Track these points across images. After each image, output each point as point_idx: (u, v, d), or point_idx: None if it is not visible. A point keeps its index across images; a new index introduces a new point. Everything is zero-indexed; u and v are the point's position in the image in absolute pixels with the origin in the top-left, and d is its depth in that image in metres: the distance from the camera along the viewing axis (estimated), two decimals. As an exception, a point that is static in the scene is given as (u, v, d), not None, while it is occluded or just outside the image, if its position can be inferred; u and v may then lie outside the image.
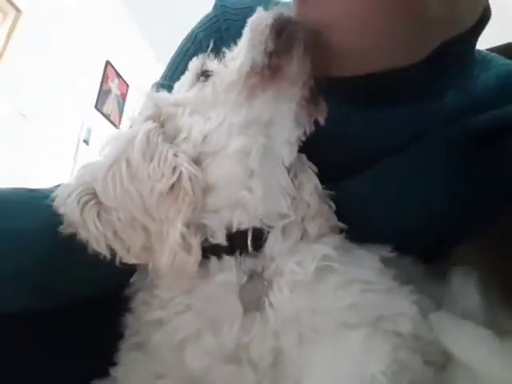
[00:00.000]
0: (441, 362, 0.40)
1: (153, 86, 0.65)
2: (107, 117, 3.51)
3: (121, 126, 3.58)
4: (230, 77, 0.46)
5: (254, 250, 0.44)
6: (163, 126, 0.47)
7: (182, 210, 0.41)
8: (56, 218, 0.42)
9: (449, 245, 0.51)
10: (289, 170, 0.49)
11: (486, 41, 0.55)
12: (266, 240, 0.45)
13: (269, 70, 0.43)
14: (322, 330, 0.40)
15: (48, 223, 0.43)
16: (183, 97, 0.50)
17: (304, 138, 0.49)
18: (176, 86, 0.54)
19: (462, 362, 0.39)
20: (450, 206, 0.50)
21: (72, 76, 2.97)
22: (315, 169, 0.52)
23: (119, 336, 0.48)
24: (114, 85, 3.60)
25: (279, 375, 0.41)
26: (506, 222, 0.45)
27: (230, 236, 0.44)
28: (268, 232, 0.45)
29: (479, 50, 0.56)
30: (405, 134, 0.52)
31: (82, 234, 0.42)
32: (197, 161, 0.45)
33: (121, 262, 0.42)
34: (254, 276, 0.43)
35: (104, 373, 0.47)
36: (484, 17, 0.50)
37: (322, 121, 0.48)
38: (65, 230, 0.42)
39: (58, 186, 0.47)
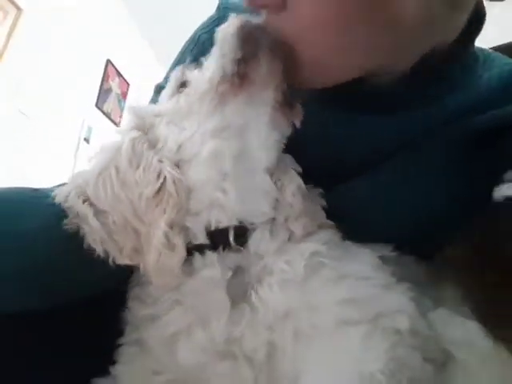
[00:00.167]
0: (441, 360, 0.40)
1: (155, 88, 0.66)
2: (108, 115, 3.51)
3: (121, 125, 3.59)
4: (201, 86, 0.47)
5: (237, 245, 0.46)
6: (147, 134, 0.49)
7: (167, 211, 0.43)
8: (57, 218, 0.43)
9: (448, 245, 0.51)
10: (271, 173, 0.50)
11: (489, 40, 0.56)
12: (249, 236, 0.46)
13: (238, 76, 0.44)
14: (321, 327, 0.40)
15: (49, 223, 0.44)
16: (163, 108, 0.52)
17: (284, 141, 0.51)
18: (160, 97, 0.56)
19: (461, 359, 0.39)
20: (450, 206, 0.50)
21: (72, 75, 2.97)
22: (299, 169, 0.52)
23: (119, 334, 0.49)
24: (114, 83, 3.60)
25: (275, 370, 0.41)
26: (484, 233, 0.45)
27: (211, 234, 0.46)
28: (251, 228, 0.47)
29: (482, 49, 0.56)
30: (391, 140, 0.53)
31: (84, 228, 0.43)
32: (177, 165, 0.47)
33: (114, 263, 0.44)
34: (239, 270, 0.45)
35: (105, 371, 0.47)
36: (477, 18, 0.50)
37: (298, 123, 0.49)
38: (70, 222, 0.43)
39: (60, 185, 0.48)
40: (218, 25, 0.63)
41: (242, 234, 0.46)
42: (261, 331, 0.42)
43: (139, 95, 3.67)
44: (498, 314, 0.40)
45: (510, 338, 0.38)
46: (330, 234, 0.50)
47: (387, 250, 0.50)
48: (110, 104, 3.55)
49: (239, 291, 0.44)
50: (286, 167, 0.52)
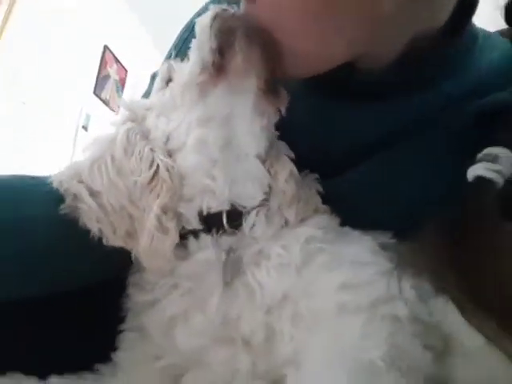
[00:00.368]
0: (441, 347, 0.40)
1: (151, 76, 0.66)
2: (106, 102, 3.49)
3: (120, 112, 3.57)
4: (183, 79, 0.49)
5: (231, 228, 0.47)
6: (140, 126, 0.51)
7: (160, 195, 0.44)
8: (56, 204, 0.45)
9: None
10: (263, 160, 0.51)
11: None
12: (244, 219, 0.47)
13: (215, 66, 0.45)
14: (319, 312, 0.41)
15: (49, 209, 0.45)
16: (152, 101, 0.53)
17: (273, 128, 0.51)
18: (153, 90, 0.57)
19: (460, 346, 0.39)
20: (447, 195, 0.50)
21: (70, 62, 2.94)
22: (292, 155, 0.53)
23: (121, 320, 0.50)
24: (112, 70, 3.57)
25: (274, 354, 0.41)
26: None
27: (205, 219, 0.47)
28: (245, 212, 0.48)
29: (482, 30, 0.55)
30: (381, 128, 0.53)
31: (81, 207, 0.44)
32: (169, 154, 0.48)
33: (109, 244, 0.45)
34: (233, 252, 0.46)
35: (107, 358, 0.48)
36: (467, 5, 0.49)
37: (283, 110, 0.49)
38: (68, 205, 0.45)
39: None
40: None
41: (236, 217, 0.47)
42: (258, 313, 0.42)
43: (137, 82, 3.64)
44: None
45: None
46: (327, 219, 0.50)
47: (386, 237, 0.50)
48: (108, 91, 3.53)
49: (234, 273, 0.45)
50: (278, 154, 0.52)
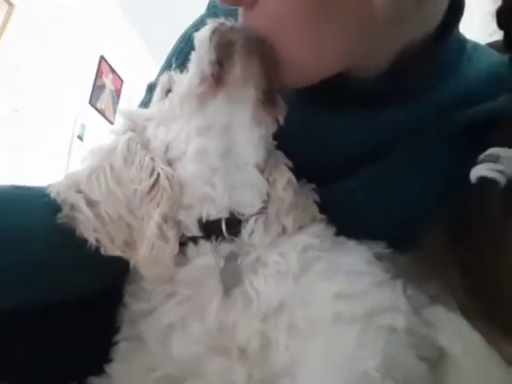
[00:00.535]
0: (435, 358, 0.40)
1: (148, 86, 0.67)
2: (101, 112, 3.50)
3: (115, 122, 3.57)
4: (182, 90, 0.49)
5: (230, 235, 0.47)
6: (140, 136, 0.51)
7: (161, 204, 0.44)
8: (54, 215, 0.45)
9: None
10: (262, 169, 0.51)
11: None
12: (242, 227, 0.48)
13: (214, 78, 0.46)
14: (315, 322, 0.41)
15: (46, 219, 0.45)
16: (152, 112, 0.54)
17: (271, 138, 0.52)
18: (152, 101, 0.57)
19: (454, 357, 0.39)
20: (440, 203, 0.51)
21: (66, 71, 2.95)
22: (290, 164, 0.53)
23: (116, 332, 0.49)
24: (108, 80, 3.59)
25: (269, 364, 0.41)
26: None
27: (204, 226, 0.47)
28: (244, 220, 0.48)
29: (469, 41, 0.56)
30: (374, 138, 0.53)
31: (78, 217, 0.44)
32: (168, 163, 0.48)
33: (106, 254, 0.45)
34: (232, 259, 0.46)
35: (101, 370, 0.48)
36: (456, 6, 0.50)
37: (281, 119, 0.50)
38: (65, 214, 0.45)
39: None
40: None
41: (235, 224, 0.47)
42: (254, 321, 0.42)
43: (133, 92, 3.65)
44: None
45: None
46: (323, 228, 0.51)
47: (381, 247, 0.50)
48: (104, 101, 3.54)
49: (232, 279, 0.45)
50: (277, 163, 0.53)
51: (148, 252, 0.43)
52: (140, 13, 3.57)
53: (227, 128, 0.48)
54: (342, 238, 0.50)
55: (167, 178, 0.45)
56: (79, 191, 0.45)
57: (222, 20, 0.47)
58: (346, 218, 0.50)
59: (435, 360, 0.40)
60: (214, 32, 0.46)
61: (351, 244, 0.49)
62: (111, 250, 0.45)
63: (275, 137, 0.53)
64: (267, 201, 0.50)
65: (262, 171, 0.51)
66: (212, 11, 0.67)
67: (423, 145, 0.51)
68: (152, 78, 0.70)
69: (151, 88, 0.66)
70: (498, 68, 0.53)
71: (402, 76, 0.51)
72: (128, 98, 3.70)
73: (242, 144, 0.49)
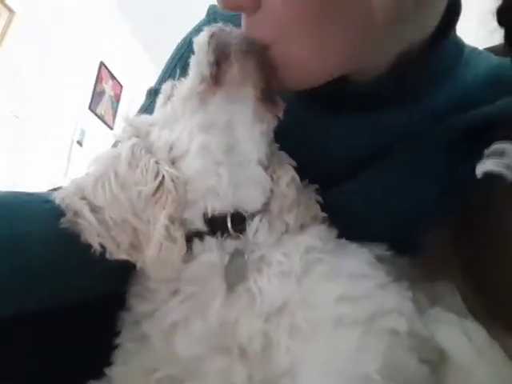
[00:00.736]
0: (436, 361, 0.40)
1: (148, 91, 0.67)
2: (101, 118, 3.50)
3: (114, 128, 3.58)
4: (183, 92, 0.50)
5: (236, 232, 0.47)
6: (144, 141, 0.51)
7: (166, 206, 0.44)
8: (55, 221, 0.44)
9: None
10: (265, 166, 0.52)
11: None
12: (248, 224, 0.48)
13: (213, 77, 0.47)
14: (317, 324, 0.41)
15: (47, 225, 0.44)
16: (155, 117, 0.54)
17: (271, 134, 0.53)
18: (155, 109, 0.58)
19: (455, 359, 0.39)
20: (438, 206, 0.51)
21: (66, 77, 2.96)
22: (294, 163, 0.54)
23: (117, 335, 0.49)
24: (107, 86, 3.60)
25: (270, 365, 0.41)
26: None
27: (210, 221, 0.47)
28: (249, 217, 0.48)
29: (466, 45, 0.56)
30: (372, 142, 0.54)
31: (81, 224, 0.44)
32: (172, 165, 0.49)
33: (112, 258, 0.45)
34: (236, 255, 0.46)
35: (101, 373, 0.47)
36: (452, 9, 0.50)
37: (281, 115, 0.51)
38: (68, 220, 0.45)
39: (54, 189, 0.48)
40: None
41: (240, 221, 0.48)
42: (256, 320, 0.42)
43: (133, 97, 3.66)
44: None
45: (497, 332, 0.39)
46: (325, 229, 0.51)
47: (382, 250, 0.50)
48: (104, 106, 3.55)
49: (236, 276, 0.45)
50: (281, 161, 0.54)
51: (156, 254, 0.43)
52: (139, 18, 3.59)
53: (228, 125, 0.49)
54: (343, 241, 0.50)
55: (172, 180, 0.46)
56: (83, 198, 0.45)
57: (219, 25, 0.48)
58: (346, 222, 0.50)
59: (436, 363, 0.40)
60: (211, 35, 0.47)
61: (353, 246, 0.49)
62: (117, 254, 0.44)
63: (276, 140, 0.54)
64: (270, 197, 0.51)
65: (265, 168, 0.52)
66: (212, 17, 0.68)
67: (421, 149, 0.51)
68: (151, 84, 0.70)
69: (151, 93, 0.67)
70: (497, 71, 0.53)
71: (401, 78, 0.51)
72: (128, 103, 3.71)
73: (244, 141, 0.50)
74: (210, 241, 0.47)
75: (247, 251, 0.46)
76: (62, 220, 0.44)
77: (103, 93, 3.53)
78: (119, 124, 3.32)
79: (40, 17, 2.73)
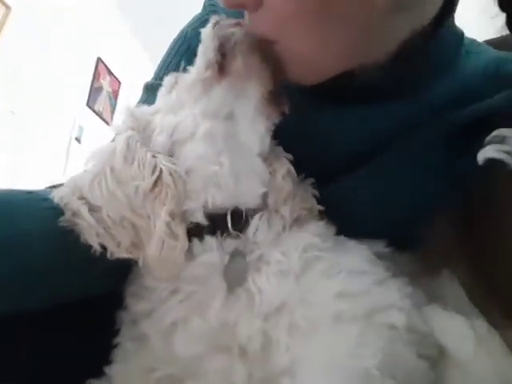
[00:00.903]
0: (435, 356, 0.40)
1: (144, 86, 0.66)
2: (99, 114, 3.49)
3: (112, 124, 3.56)
4: (189, 78, 0.50)
5: (236, 231, 0.47)
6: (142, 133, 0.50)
7: (166, 202, 0.44)
8: (54, 219, 0.44)
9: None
10: (264, 159, 0.52)
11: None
12: (247, 223, 0.48)
13: (219, 65, 0.47)
14: (316, 321, 0.41)
15: (46, 223, 0.44)
16: (157, 106, 0.54)
17: (273, 128, 0.53)
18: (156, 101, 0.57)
19: (453, 355, 0.39)
20: (437, 201, 0.52)
21: (63, 73, 2.95)
22: (290, 157, 0.54)
23: (116, 334, 0.49)
24: (105, 82, 3.59)
25: (270, 364, 0.41)
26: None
27: (211, 217, 0.47)
28: (248, 214, 0.48)
29: (466, 37, 0.56)
30: (375, 134, 0.53)
31: (80, 224, 0.44)
32: (171, 152, 0.48)
33: (113, 257, 0.44)
34: (236, 255, 0.46)
35: (101, 372, 0.47)
36: (449, 1, 0.50)
37: (286, 111, 0.51)
38: (67, 219, 0.44)
39: (52, 186, 0.48)
40: (204, 21, 0.66)
41: (240, 219, 0.47)
42: (255, 319, 0.42)
43: (130, 94, 3.65)
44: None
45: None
46: (324, 226, 0.51)
47: (381, 246, 0.50)
48: (101, 103, 3.54)
49: (236, 276, 0.44)
50: (277, 155, 0.54)
51: (158, 251, 0.43)
52: (137, 14, 3.57)
53: (231, 116, 0.49)
54: (342, 238, 0.50)
55: (170, 174, 0.45)
56: (81, 197, 0.45)
57: (224, 16, 0.49)
58: (346, 217, 0.50)
59: (436, 358, 0.40)
60: (216, 23, 0.48)
61: (352, 243, 0.49)
62: (118, 253, 0.44)
63: (276, 135, 0.54)
64: (268, 190, 0.51)
65: (264, 161, 0.52)
66: (208, 9, 0.67)
67: (420, 144, 0.51)
68: (149, 79, 0.70)
69: (148, 88, 0.66)
70: (496, 64, 0.53)
71: (403, 69, 0.50)
72: (125, 99, 3.70)
73: (246, 133, 0.50)
74: (209, 240, 0.46)
75: (247, 251, 0.46)
76: (61, 219, 0.44)
77: (101, 89, 3.52)
78: (118, 119, 3.31)
79: (36, 13, 2.71)
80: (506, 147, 0.40)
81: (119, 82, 3.79)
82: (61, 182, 0.49)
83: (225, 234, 0.46)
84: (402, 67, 0.50)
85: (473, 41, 0.57)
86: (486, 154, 0.42)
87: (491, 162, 0.41)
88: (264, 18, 0.45)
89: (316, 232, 0.48)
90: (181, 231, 0.44)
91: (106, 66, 3.57)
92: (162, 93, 0.56)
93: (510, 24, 0.46)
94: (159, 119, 0.50)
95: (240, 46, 0.46)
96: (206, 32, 0.49)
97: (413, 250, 0.53)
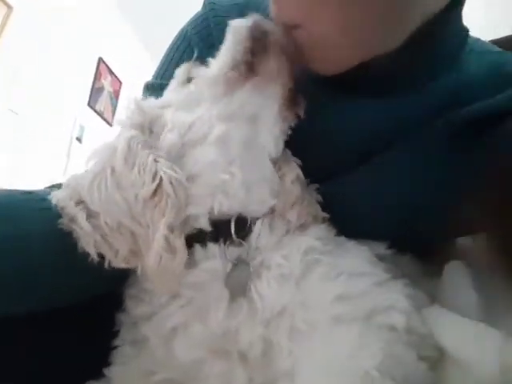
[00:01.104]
0: (435, 357, 0.40)
1: (144, 86, 0.66)
2: (100, 114, 3.50)
3: (114, 124, 3.56)
4: (211, 73, 0.49)
5: (238, 238, 0.46)
6: (150, 131, 0.49)
7: (166, 213, 0.42)
8: (53, 220, 0.44)
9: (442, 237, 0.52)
10: (274, 163, 0.51)
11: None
12: (251, 230, 0.47)
13: (246, 66, 0.47)
14: (316, 324, 0.40)
15: (46, 226, 0.44)
16: (169, 98, 0.53)
17: (288, 132, 0.52)
18: (165, 91, 0.57)
19: (453, 356, 0.39)
20: (438, 201, 0.51)
21: (64, 73, 2.95)
22: (299, 161, 0.54)
23: (115, 336, 0.49)
24: (106, 82, 3.59)
25: (271, 368, 0.41)
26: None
27: (215, 223, 0.46)
28: (252, 221, 0.47)
29: (471, 36, 0.56)
30: (383, 124, 0.53)
31: (77, 231, 0.43)
32: (180, 153, 0.47)
33: (110, 266, 0.43)
34: (239, 264, 0.45)
35: (100, 374, 0.47)
36: None
37: (302, 114, 0.51)
38: (65, 224, 0.44)
39: (52, 186, 0.47)
40: (204, 20, 0.66)
41: (243, 227, 0.47)
42: (257, 326, 0.42)
43: (132, 93, 3.65)
44: None
45: None
46: (325, 229, 0.50)
47: (382, 248, 0.50)
48: (103, 103, 3.54)
49: (239, 285, 0.44)
50: (287, 158, 0.54)
51: (156, 264, 0.42)
52: (138, 14, 3.57)
53: (252, 119, 0.48)
54: (343, 239, 0.50)
55: (171, 183, 0.43)
56: (79, 201, 0.44)
57: (259, 15, 0.48)
58: (347, 213, 0.50)
59: (435, 359, 0.40)
60: (253, 22, 0.47)
61: (352, 244, 0.49)
62: (115, 262, 0.43)
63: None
64: (275, 196, 0.50)
65: (274, 165, 0.51)
66: (208, 8, 0.67)
67: (421, 143, 0.51)
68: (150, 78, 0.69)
69: (148, 87, 0.66)
70: (499, 63, 0.53)
71: (412, 58, 0.50)
72: (127, 99, 3.70)
73: (264, 136, 0.49)
74: (212, 248, 0.45)
75: (250, 258, 0.45)
76: (60, 221, 0.44)
77: (102, 89, 3.52)
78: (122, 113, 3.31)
79: (38, 12, 2.71)
80: None
81: (120, 82, 3.79)
82: (60, 182, 0.49)
83: (228, 242, 0.46)
84: (412, 56, 0.49)
85: (477, 39, 0.57)
86: None
87: None
88: (290, 1, 0.45)
89: (317, 235, 0.48)
90: (179, 244, 0.43)
91: (107, 66, 3.57)
92: (172, 85, 0.55)
93: None
94: (171, 114, 0.49)
95: (275, 47, 0.46)
96: (238, 28, 0.47)
97: (414, 251, 0.53)
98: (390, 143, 0.52)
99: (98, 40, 3.37)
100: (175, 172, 0.44)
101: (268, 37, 0.46)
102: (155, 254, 0.42)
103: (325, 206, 0.53)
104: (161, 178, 0.43)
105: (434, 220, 0.51)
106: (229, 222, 0.46)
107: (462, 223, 0.49)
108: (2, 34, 2.47)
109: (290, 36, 0.47)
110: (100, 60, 3.47)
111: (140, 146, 0.45)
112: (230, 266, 0.45)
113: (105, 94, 3.56)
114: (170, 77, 0.57)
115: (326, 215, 0.52)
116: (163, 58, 0.70)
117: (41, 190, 0.49)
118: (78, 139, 3.17)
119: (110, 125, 3.57)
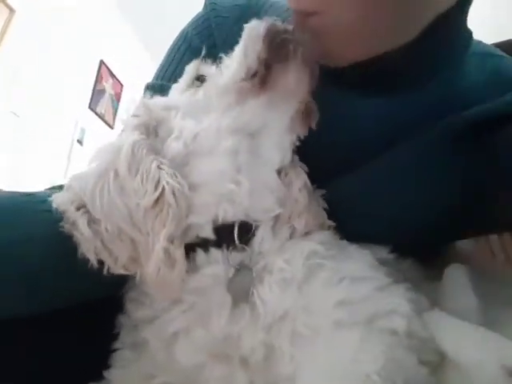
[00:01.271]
0: (436, 362, 0.40)
1: (145, 87, 0.66)
2: (101, 117, 3.50)
3: (115, 126, 3.57)
4: (222, 81, 0.48)
5: (241, 244, 0.46)
6: (155, 133, 0.49)
7: (166, 223, 0.42)
8: (54, 223, 0.43)
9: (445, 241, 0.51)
10: (279, 171, 0.51)
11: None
12: (254, 234, 0.47)
13: (260, 77, 0.45)
14: (318, 329, 0.40)
15: (47, 229, 0.44)
16: (176, 100, 0.52)
17: (298, 143, 0.52)
18: (172, 90, 0.56)
19: (453, 360, 0.39)
20: (439, 204, 0.51)
21: (65, 76, 2.96)
22: (306, 168, 0.53)
23: (115, 338, 0.49)
24: (108, 85, 3.59)
25: (273, 373, 0.41)
26: None
27: (217, 230, 0.46)
28: (256, 227, 0.47)
29: (474, 39, 0.56)
30: (385, 123, 0.53)
31: (77, 237, 0.43)
32: (184, 161, 0.47)
33: (108, 272, 0.43)
34: (242, 269, 0.45)
35: (100, 376, 0.47)
36: None
37: (314, 126, 0.49)
38: (66, 228, 0.43)
39: (52, 188, 0.47)
40: (205, 20, 0.65)
41: (247, 232, 0.46)
42: (259, 331, 0.42)
43: (133, 96, 3.65)
44: None
45: None
46: (328, 234, 0.50)
47: (384, 252, 0.50)
48: (104, 105, 3.54)
49: (241, 290, 0.44)
50: (294, 164, 0.53)
51: (155, 274, 0.42)
52: (140, 17, 3.58)
53: (261, 130, 0.48)
54: (345, 243, 0.50)
55: (173, 193, 0.43)
56: (80, 205, 0.43)
57: (275, 19, 0.46)
58: (350, 213, 0.50)
59: (436, 364, 0.40)
60: (268, 29, 0.44)
61: (354, 249, 0.48)
62: (115, 269, 0.43)
63: None
64: (281, 204, 0.50)
65: (279, 173, 0.51)
66: (209, 8, 0.66)
67: (424, 145, 0.51)
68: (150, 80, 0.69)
69: (149, 88, 0.65)
70: (500, 67, 0.53)
71: (421, 56, 0.50)
72: (128, 102, 3.70)
73: (271, 148, 0.49)
74: (215, 253, 0.45)
75: (252, 264, 0.45)
76: (61, 224, 0.43)
77: (103, 91, 3.53)
78: (120, 123, 3.32)
79: (40, 15, 2.72)
80: None
81: (121, 85, 3.79)
82: (61, 184, 0.49)
83: (231, 247, 0.45)
84: (420, 53, 0.49)
85: (479, 42, 0.57)
86: None
87: None
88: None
89: (320, 240, 0.47)
90: (179, 255, 0.42)
91: (108, 68, 3.58)
92: (178, 86, 0.54)
93: None
94: (178, 120, 0.48)
95: (296, 61, 0.44)
96: (253, 34, 0.45)
97: (415, 255, 0.53)
98: (392, 143, 0.52)
99: (98, 42, 3.37)
100: (178, 181, 0.44)
101: (288, 45, 0.44)
102: (154, 264, 0.42)
103: (330, 214, 0.52)
104: (163, 187, 0.43)
105: (434, 221, 0.51)
106: (232, 227, 0.46)
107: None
108: (5, 36, 2.47)
109: (304, 25, 0.45)
110: (101, 63, 3.48)
111: (144, 151, 0.45)
112: (232, 271, 0.44)
113: (106, 96, 3.57)
114: (171, 78, 0.56)
115: (332, 223, 0.52)
116: (164, 58, 0.69)
117: (41, 192, 0.49)
118: (79, 142, 3.17)
119: (111, 127, 3.57)
